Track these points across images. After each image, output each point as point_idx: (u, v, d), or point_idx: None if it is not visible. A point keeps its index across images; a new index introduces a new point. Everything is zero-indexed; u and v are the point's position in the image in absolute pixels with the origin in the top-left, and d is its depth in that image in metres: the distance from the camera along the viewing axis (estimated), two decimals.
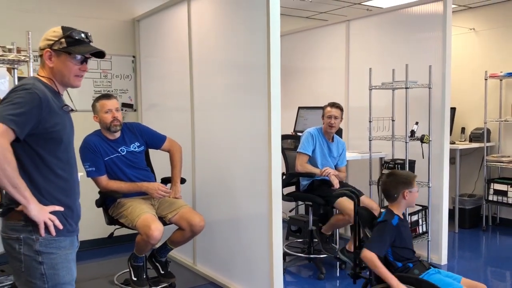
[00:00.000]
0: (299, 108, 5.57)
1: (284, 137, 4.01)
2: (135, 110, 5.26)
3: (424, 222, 4.42)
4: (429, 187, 4.31)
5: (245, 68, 3.58)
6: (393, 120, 4.42)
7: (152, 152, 3.82)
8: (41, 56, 2.06)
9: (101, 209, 3.56)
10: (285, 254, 4.24)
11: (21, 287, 1.97)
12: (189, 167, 4.19)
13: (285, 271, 4.16)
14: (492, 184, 5.62)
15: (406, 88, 4.16)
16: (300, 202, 4.64)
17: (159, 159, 3.92)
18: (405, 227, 2.88)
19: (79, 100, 2.26)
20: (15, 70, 3.13)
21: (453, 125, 5.78)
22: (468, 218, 5.72)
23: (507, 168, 5.61)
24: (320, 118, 4.37)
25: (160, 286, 3.66)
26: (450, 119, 4.76)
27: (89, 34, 2.10)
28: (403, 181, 2.83)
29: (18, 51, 3.19)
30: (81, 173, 2.96)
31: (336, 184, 4.11)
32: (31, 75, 3.01)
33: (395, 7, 4.86)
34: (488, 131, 5.74)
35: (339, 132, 4.62)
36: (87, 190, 2.59)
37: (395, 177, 2.89)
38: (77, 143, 2.13)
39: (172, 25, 4.50)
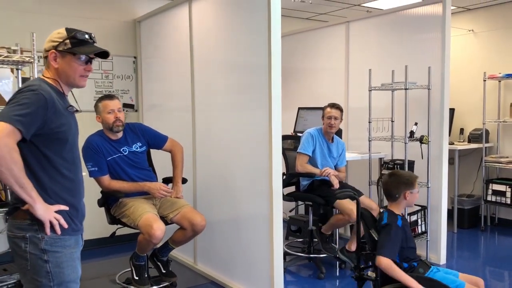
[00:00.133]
0: (299, 108, 5.60)
1: (284, 138, 4.04)
2: (136, 111, 5.29)
3: (423, 222, 4.46)
4: (428, 187, 4.35)
5: (246, 69, 3.60)
6: (392, 121, 4.46)
7: (153, 152, 3.85)
8: (46, 57, 2.10)
9: (103, 208, 3.59)
10: (285, 254, 4.27)
11: (27, 285, 2.00)
12: (190, 167, 4.21)
13: (285, 270, 4.19)
14: (490, 184, 5.66)
15: (406, 89, 4.20)
16: (300, 202, 4.67)
17: (160, 159, 3.95)
18: (407, 227, 2.91)
19: (80, 101, 2.28)
20: (19, 71, 3.16)
21: (452, 126, 5.82)
22: (467, 218, 5.75)
23: (506, 169, 5.65)
24: (320, 118, 4.40)
25: (161, 285, 3.69)
26: (449, 120, 4.79)
27: (93, 35, 2.13)
28: (405, 181, 2.85)
29: (21, 52, 3.22)
30: (85, 173, 2.98)
31: (336, 184, 4.14)
32: (36, 76, 3.03)
33: (394, 8, 4.90)
34: (487, 132, 5.78)
35: (339, 133, 4.65)
36: (89, 190, 2.60)
37: (397, 177, 2.90)
38: (80, 143, 2.17)
39: (173, 26, 4.53)
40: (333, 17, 6.32)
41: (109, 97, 3.50)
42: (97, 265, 4.46)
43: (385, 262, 2.63)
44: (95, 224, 3.87)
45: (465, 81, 6.05)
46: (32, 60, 3.01)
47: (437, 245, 4.43)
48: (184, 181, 3.74)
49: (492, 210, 5.91)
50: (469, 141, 5.87)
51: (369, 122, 4.52)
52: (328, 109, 4.28)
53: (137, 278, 3.54)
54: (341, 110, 4.30)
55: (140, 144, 3.58)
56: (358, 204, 2.82)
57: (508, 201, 5.47)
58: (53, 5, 4.71)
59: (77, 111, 2.16)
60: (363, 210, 2.87)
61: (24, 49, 3.29)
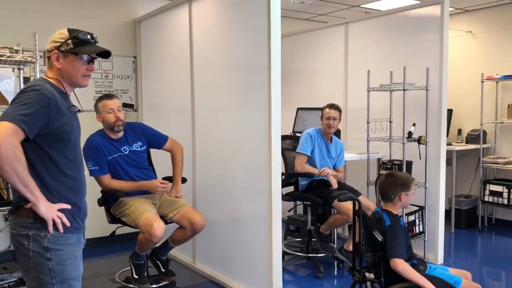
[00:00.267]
0: (298, 109, 5.63)
1: (283, 138, 4.07)
2: (135, 110, 5.31)
3: (420, 222, 4.49)
4: (425, 187, 4.38)
5: (246, 69, 3.63)
6: (390, 122, 4.49)
7: (153, 151, 3.87)
8: (48, 58, 2.12)
9: (102, 207, 3.61)
10: (284, 253, 4.29)
11: (30, 282, 2.03)
12: (189, 166, 4.23)
13: (284, 269, 4.20)
14: (488, 185, 5.69)
15: (404, 90, 4.22)
16: (298, 202, 4.70)
17: (160, 159, 3.97)
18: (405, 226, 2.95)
19: (80, 100, 2.30)
20: (21, 70, 3.18)
21: (450, 126, 5.85)
22: (464, 219, 5.79)
23: (503, 169, 5.68)
24: (319, 119, 4.43)
25: (160, 284, 3.72)
26: (447, 121, 4.82)
27: (94, 35, 2.16)
28: (401, 183, 2.87)
29: (22, 51, 3.23)
30: (85, 172, 3.00)
31: (335, 184, 4.17)
32: (38, 75, 3.06)
33: (393, 10, 4.93)
34: (484, 132, 5.81)
35: (338, 133, 4.68)
36: (89, 189, 2.60)
37: (394, 178, 2.92)
38: (81, 142, 2.19)
39: (173, 26, 4.55)
40: (332, 18, 6.34)
41: (109, 96, 3.52)
42: (97, 264, 4.48)
43: (401, 264, 2.65)
44: (95, 223, 3.89)
45: (463, 82, 6.08)
46: (34, 60, 3.03)
47: (434, 245, 4.46)
48: (184, 180, 3.76)
49: (489, 211, 5.94)
50: (467, 142, 5.91)
51: (368, 123, 4.55)
52: (327, 110, 4.30)
53: (136, 277, 3.56)
54: (339, 111, 4.33)
55: (141, 144, 3.60)
56: (359, 205, 2.81)
57: (505, 202, 5.51)
58: (54, 4, 4.72)
59: (79, 110, 2.19)
60: (364, 212, 2.87)
61: (24, 48, 3.31)
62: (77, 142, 2.14)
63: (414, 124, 4.35)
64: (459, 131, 6.06)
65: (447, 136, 4.63)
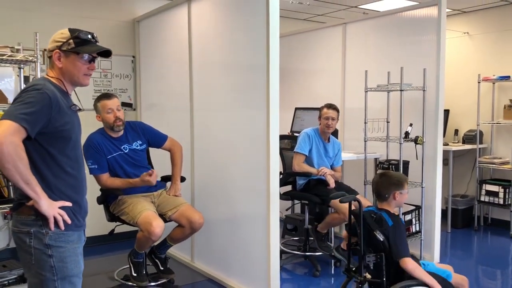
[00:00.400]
0: (296, 109, 5.66)
1: (281, 137, 4.10)
2: (134, 110, 5.33)
3: (417, 222, 4.52)
4: (422, 187, 4.41)
5: (245, 69, 3.65)
6: (388, 122, 4.51)
7: (152, 151, 3.89)
8: (49, 57, 2.15)
9: (101, 206, 3.63)
10: (281, 252, 4.31)
11: (31, 279, 2.05)
12: (188, 166, 4.26)
13: (281, 268, 4.23)
14: (484, 185, 5.74)
15: (401, 90, 4.25)
16: (296, 201, 4.73)
17: (159, 158, 3.99)
18: None
19: (75, 100, 2.32)
20: (21, 69, 3.20)
21: (446, 127, 5.88)
22: (461, 218, 5.83)
23: (499, 170, 5.73)
24: (317, 119, 4.46)
25: (159, 282, 3.74)
26: (443, 121, 4.87)
27: (95, 35, 2.19)
28: (395, 182, 2.89)
29: (22, 51, 3.26)
30: (86, 170, 3.02)
31: (332, 184, 4.20)
32: (39, 75, 3.08)
33: (391, 11, 4.96)
34: (481, 133, 5.85)
35: (335, 133, 4.71)
36: (89, 188, 2.62)
37: (387, 178, 2.94)
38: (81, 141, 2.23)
39: (172, 26, 4.58)
40: (330, 18, 6.38)
41: (107, 96, 3.53)
42: (96, 262, 4.51)
43: (411, 263, 2.69)
44: (94, 222, 3.91)
45: (460, 83, 6.12)
46: (35, 60, 3.05)
47: (431, 244, 4.50)
48: (183, 179, 3.79)
49: (485, 210, 5.99)
50: (464, 142, 5.95)
51: (365, 123, 4.57)
52: (325, 110, 4.33)
53: (135, 274, 3.58)
54: (337, 111, 4.37)
55: (141, 142, 3.63)
56: (359, 205, 2.81)
57: (501, 202, 5.56)
58: (53, 4, 4.74)
59: (80, 109, 2.22)
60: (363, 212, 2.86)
61: (25, 47, 3.33)
62: (78, 140, 2.17)
63: (411, 124, 4.38)
64: (456, 131, 6.10)
65: (444, 136, 4.67)
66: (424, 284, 2.68)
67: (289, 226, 5.14)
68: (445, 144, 5.55)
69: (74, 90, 2.24)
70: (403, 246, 2.74)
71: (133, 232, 4.04)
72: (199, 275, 4.17)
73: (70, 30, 2.13)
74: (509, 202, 5.51)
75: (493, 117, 5.82)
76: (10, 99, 3.22)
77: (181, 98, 4.42)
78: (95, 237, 4.67)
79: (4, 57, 2.96)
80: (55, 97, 1.99)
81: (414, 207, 4.50)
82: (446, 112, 5.76)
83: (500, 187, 5.57)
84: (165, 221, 3.47)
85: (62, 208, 2.01)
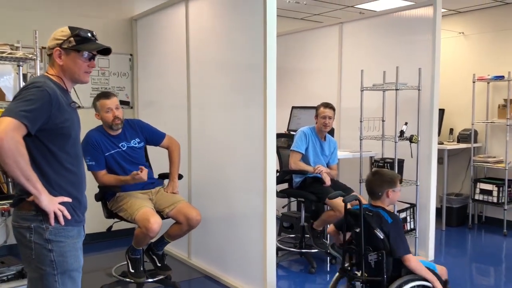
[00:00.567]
0: (293, 107, 5.70)
1: (278, 136, 4.13)
2: (131, 108, 5.35)
3: (412, 220, 4.57)
4: (417, 185, 4.45)
5: (242, 68, 3.69)
6: (383, 121, 4.56)
7: (150, 148, 3.92)
8: (49, 55, 2.18)
9: (99, 203, 3.65)
10: (277, 249, 4.34)
11: (31, 273, 2.08)
12: (185, 164, 4.27)
13: (277, 265, 4.25)
14: (478, 183, 5.79)
15: (396, 89, 4.29)
16: (292, 199, 4.77)
17: (157, 156, 4.02)
18: None
19: (75, 97, 2.36)
20: (21, 67, 3.23)
21: (441, 126, 5.93)
22: (455, 217, 5.88)
23: (493, 168, 5.78)
24: (313, 117, 4.49)
25: (156, 278, 3.76)
26: (439, 120, 4.91)
27: (94, 33, 2.23)
28: (388, 180, 2.92)
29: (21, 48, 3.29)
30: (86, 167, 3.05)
31: (328, 182, 4.24)
32: (38, 73, 3.11)
33: (387, 10, 5.00)
34: (475, 132, 5.90)
35: (331, 132, 4.75)
36: (87, 184, 2.65)
37: (380, 176, 2.97)
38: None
39: (170, 24, 4.60)
40: (327, 18, 6.41)
41: (106, 95, 3.54)
42: (93, 259, 4.53)
43: (414, 260, 2.75)
44: (91, 219, 3.93)
45: (455, 83, 6.17)
46: (35, 57, 3.08)
47: (425, 242, 4.55)
48: (180, 177, 3.81)
49: (479, 209, 6.04)
50: (458, 141, 6.00)
51: (361, 122, 4.61)
52: (322, 109, 4.37)
53: (133, 271, 3.60)
54: (334, 110, 4.41)
55: (139, 140, 3.65)
56: (360, 204, 2.81)
57: (495, 200, 5.61)
58: (51, 2, 4.76)
59: (79, 107, 2.25)
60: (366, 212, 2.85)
61: (23, 45, 3.35)
62: (77, 137, 2.20)
63: (406, 123, 4.42)
64: (451, 130, 6.15)
65: (439, 135, 4.71)
66: (423, 279, 2.74)
67: (285, 223, 5.18)
68: (440, 143, 5.59)
69: (74, 88, 2.27)
70: (404, 243, 2.78)
71: (131, 229, 4.07)
72: (196, 272, 4.21)
73: (70, 28, 2.16)
74: (503, 201, 5.56)
75: (487, 117, 5.87)
76: (9, 97, 3.26)
77: (178, 97, 4.45)
78: (93, 234, 4.70)
79: (3, 55, 2.98)
80: (55, 95, 2.02)
81: (409, 205, 4.54)
82: (441, 111, 5.80)
83: (494, 185, 5.62)
84: (163, 218, 3.50)
85: (62, 203, 2.04)
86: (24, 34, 3.51)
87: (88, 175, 2.98)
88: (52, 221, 2.01)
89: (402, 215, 4.46)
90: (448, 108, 6.12)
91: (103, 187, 3.55)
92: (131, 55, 5.31)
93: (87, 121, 3.54)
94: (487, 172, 5.94)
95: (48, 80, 2.08)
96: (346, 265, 2.95)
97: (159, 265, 3.76)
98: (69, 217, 2.05)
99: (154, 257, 3.75)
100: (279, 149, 4.63)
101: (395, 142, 4.33)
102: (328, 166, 4.49)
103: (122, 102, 5.25)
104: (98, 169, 3.48)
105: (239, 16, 3.72)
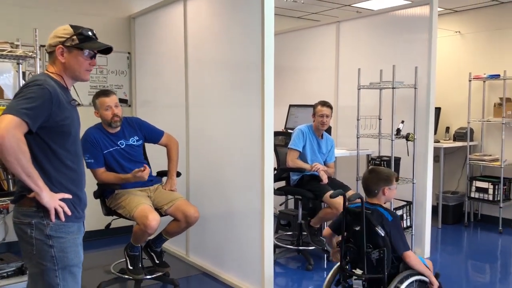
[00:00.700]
0: (290, 106, 5.72)
1: (275, 134, 4.16)
2: (129, 106, 5.37)
3: (408, 217, 4.61)
4: (413, 183, 4.48)
5: (240, 66, 3.71)
6: (380, 119, 4.58)
7: (148, 146, 3.94)
8: (50, 53, 2.20)
9: (97, 200, 3.67)
10: (275, 246, 4.36)
11: (32, 269, 2.11)
12: (183, 162, 4.30)
13: (275, 262, 4.27)
14: (474, 181, 5.83)
15: (393, 88, 4.32)
16: (289, 197, 4.79)
17: (155, 154, 4.04)
18: None
19: (74, 95, 2.38)
20: (20, 65, 3.25)
21: (438, 124, 5.97)
22: (451, 214, 5.92)
23: (489, 166, 5.82)
24: (310, 116, 4.52)
25: (155, 275, 3.79)
26: (435, 119, 4.95)
27: (95, 32, 2.25)
28: (384, 178, 2.94)
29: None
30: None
31: (325, 179, 4.27)
32: (38, 70, 3.13)
33: (383, 9, 5.04)
34: (471, 130, 5.94)
35: (328, 130, 4.77)
36: (86, 182, 2.68)
37: (376, 174, 2.99)
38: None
39: (168, 23, 4.62)
40: (324, 16, 6.44)
41: (105, 93, 3.56)
42: (92, 256, 4.54)
43: (414, 257, 2.80)
44: (90, 216, 3.95)
45: (451, 81, 6.21)
46: (35, 55, 3.10)
47: (421, 239, 4.58)
48: (178, 174, 3.83)
49: (475, 207, 6.09)
50: (455, 139, 6.04)
51: (358, 120, 4.64)
52: (320, 107, 4.39)
53: (131, 268, 3.63)
54: (331, 108, 4.44)
55: (137, 138, 3.68)
56: (362, 202, 2.80)
57: (491, 198, 5.65)
58: (50, 1, 4.77)
59: (79, 104, 2.28)
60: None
61: (22, 43, 3.37)
62: (77, 135, 2.23)
63: (402, 122, 4.45)
64: (447, 128, 6.19)
65: (435, 133, 4.74)
66: (421, 274, 2.81)
67: (282, 221, 5.21)
68: (436, 141, 5.64)
69: (73, 86, 2.30)
70: (404, 241, 2.82)
71: (129, 227, 4.10)
72: (194, 269, 4.23)
73: (72, 26, 2.19)
74: (499, 199, 5.60)
75: (483, 115, 5.90)
76: (9, 94, 3.27)
77: (176, 95, 4.47)
78: (92, 231, 4.71)
79: (4, 53, 3.00)
80: (56, 92, 2.04)
81: (405, 203, 4.57)
82: (438, 109, 5.85)
83: (490, 183, 5.66)
84: (161, 215, 3.53)
85: (62, 200, 2.07)
86: (23, 32, 3.52)
87: (87, 173, 3.01)
88: (53, 217, 2.03)
89: (399, 212, 4.50)
90: (444, 107, 6.16)
91: (101, 185, 3.57)
92: (129, 53, 5.33)
93: (86, 119, 3.56)
94: (483, 170, 5.99)
95: (48, 78, 2.10)
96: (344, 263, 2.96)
97: (157, 262, 3.79)
98: (69, 213, 2.08)
99: (152, 254, 3.78)
100: (276, 147, 4.65)
101: (392, 140, 4.36)
102: (325, 164, 4.52)
103: (120, 100, 5.25)
104: (97, 167, 3.51)
105: (237, 14, 3.74)
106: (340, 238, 2.97)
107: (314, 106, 4.46)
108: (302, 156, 4.41)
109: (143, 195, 3.59)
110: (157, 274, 3.79)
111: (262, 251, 3.48)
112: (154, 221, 3.29)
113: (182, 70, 4.37)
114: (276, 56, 3.47)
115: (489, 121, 5.84)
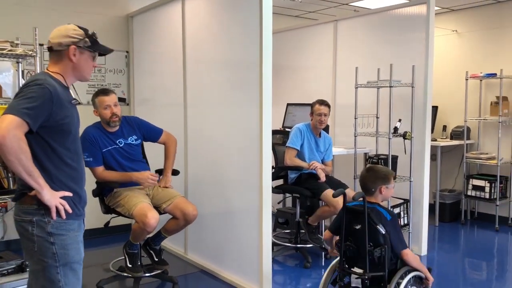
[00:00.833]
0: (288, 104, 5.74)
1: (273, 132, 4.18)
2: (127, 105, 5.38)
3: (405, 215, 4.63)
4: (410, 181, 4.51)
5: (238, 65, 3.72)
6: (377, 117, 4.61)
7: (147, 145, 3.95)
8: (56, 51, 2.18)
9: (96, 198, 3.68)
10: (273, 244, 4.38)
11: (34, 266, 2.13)
12: (181, 160, 4.32)
13: (273, 260, 4.31)
14: (471, 180, 5.87)
15: (390, 86, 4.34)
16: (287, 195, 4.81)
17: (153, 153, 4.05)
18: None
19: (73, 94, 2.41)
20: (20, 64, 3.26)
21: (435, 123, 6.00)
22: (448, 212, 5.95)
23: (485, 165, 5.86)
24: (308, 114, 4.54)
25: (153, 273, 3.81)
26: (432, 117, 4.97)
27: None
28: (382, 177, 2.94)
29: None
30: None
31: (323, 178, 4.30)
32: (38, 69, 3.14)
33: (381, 8, 5.06)
34: (468, 129, 5.97)
35: (326, 128, 4.80)
36: (86, 180, 2.70)
37: (374, 172, 2.99)
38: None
39: (166, 22, 4.63)
40: (322, 15, 6.46)
41: (105, 92, 3.58)
42: (91, 254, 4.53)
43: (412, 255, 2.85)
44: (89, 214, 3.96)
45: (448, 80, 6.24)
46: (35, 54, 3.11)
47: (418, 237, 4.61)
48: (177, 172, 3.85)
49: (472, 205, 6.12)
50: (451, 138, 6.07)
51: (355, 118, 4.66)
52: (318, 106, 4.41)
53: (130, 265, 3.64)
54: (329, 107, 4.46)
55: (136, 137, 3.69)
56: (363, 200, 2.78)
57: (487, 196, 5.69)
58: None
59: (79, 103, 2.30)
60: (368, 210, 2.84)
61: (22, 42, 3.37)
62: (77, 134, 2.25)
63: (400, 120, 4.48)
64: (444, 127, 6.22)
65: (432, 132, 4.76)
66: (417, 270, 2.86)
67: (280, 219, 5.22)
68: (433, 139, 5.66)
69: (73, 85, 2.32)
70: (402, 239, 2.85)
71: (128, 225, 4.12)
72: (192, 267, 4.25)
73: (80, 28, 2.22)
74: (495, 197, 5.64)
75: (480, 114, 5.94)
76: (8, 93, 3.28)
77: (174, 94, 4.48)
78: (91, 229, 4.72)
79: (4, 52, 3.01)
80: (56, 92, 2.06)
81: (402, 201, 4.60)
82: (435, 108, 5.87)
83: (487, 181, 5.70)
84: (160, 213, 3.54)
85: (63, 198, 2.09)
86: (22, 30, 3.52)
87: (86, 172, 3.03)
88: (54, 215, 2.05)
89: (396, 210, 4.52)
90: (441, 105, 6.19)
91: (100, 183, 3.58)
92: (127, 52, 5.34)
93: (85, 118, 3.57)
94: (479, 168, 6.02)
95: (48, 77, 2.12)
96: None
97: (156, 260, 3.80)
98: (70, 211, 2.10)
99: (151, 252, 3.80)
100: (274, 145, 4.68)
101: (389, 139, 4.38)
102: (323, 162, 4.54)
103: (119, 99, 5.24)
104: (96, 165, 3.52)
105: (235, 13, 3.75)
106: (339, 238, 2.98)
107: (312, 105, 4.48)
108: (300, 155, 4.44)
109: (142, 193, 3.60)
110: (156, 272, 3.80)
111: (260, 249, 3.50)
112: (153, 219, 3.31)
113: (180, 69, 4.38)
114: (274, 55, 3.47)
115: (486, 119, 5.87)
